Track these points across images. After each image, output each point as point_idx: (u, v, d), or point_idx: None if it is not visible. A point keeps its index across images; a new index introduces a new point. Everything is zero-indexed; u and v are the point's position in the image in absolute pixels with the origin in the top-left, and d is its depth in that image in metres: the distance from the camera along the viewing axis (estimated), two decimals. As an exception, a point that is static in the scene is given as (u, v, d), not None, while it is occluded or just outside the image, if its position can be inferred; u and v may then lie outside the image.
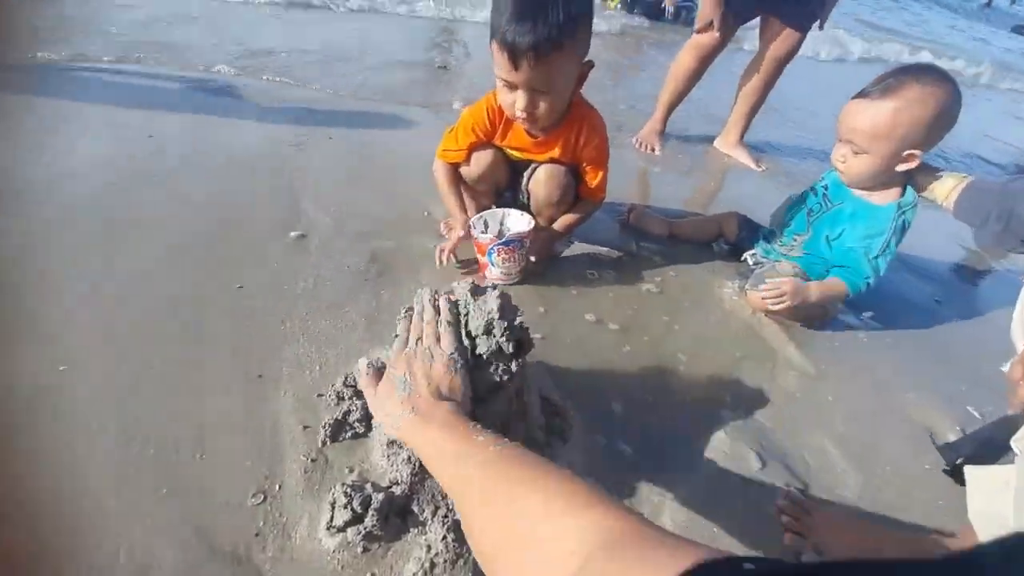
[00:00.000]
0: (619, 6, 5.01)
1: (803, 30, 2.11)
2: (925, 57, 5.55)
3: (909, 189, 1.31)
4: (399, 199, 1.61)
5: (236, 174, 1.60)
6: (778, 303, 1.34)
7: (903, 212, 1.29)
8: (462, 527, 0.55)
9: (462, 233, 1.37)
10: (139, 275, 1.17)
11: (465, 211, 1.42)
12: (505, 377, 0.77)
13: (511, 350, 0.77)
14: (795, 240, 1.49)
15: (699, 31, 2.11)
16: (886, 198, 1.32)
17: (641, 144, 2.42)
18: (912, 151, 1.23)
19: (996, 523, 0.59)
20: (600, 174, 1.41)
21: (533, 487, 0.49)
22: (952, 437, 1.13)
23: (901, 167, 1.26)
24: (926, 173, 1.31)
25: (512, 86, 1.18)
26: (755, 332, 1.35)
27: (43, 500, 0.76)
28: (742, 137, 2.47)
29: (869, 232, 1.32)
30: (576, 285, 1.40)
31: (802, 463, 1.03)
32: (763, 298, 1.36)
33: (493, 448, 0.57)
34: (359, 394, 0.96)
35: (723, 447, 1.01)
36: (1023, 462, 0.58)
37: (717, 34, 2.10)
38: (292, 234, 1.38)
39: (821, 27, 2.18)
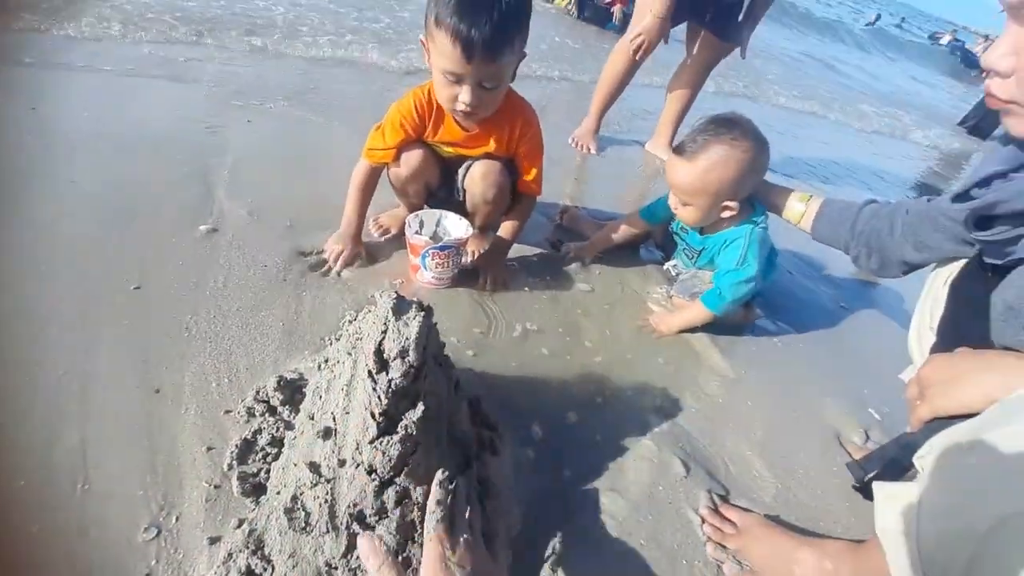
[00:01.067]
0: (568, 5, 5.02)
1: (728, 40, 2.20)
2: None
3: (757, 206, 1.38)
4: (325, 192, 1.51)
5: (139, 157, 1.44)
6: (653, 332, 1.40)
7: (753, 227, 1.36)
8: None
9: (352, 249, 1.30)
10: (20, 274, 1.02)
11: (361, 221, 1.35)
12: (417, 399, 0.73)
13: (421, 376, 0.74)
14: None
15: (632, 40, 2.12)
16: (734, 223, 1.38)
17: (577, 144, 2.43)
18: (727, 203, 1.32)
19: (901, 541, 0.62)
20: (537, 167, 1.38)
21: None
22: (857, 439, 1.21)
23: (724, 214, 1.35)
24: (775, 193, 1.39)
25: (458, 79, 1.12)
26: (682, 338, 1.39)
27: None
28: (672, 141, 2.54)
29: (733, 256, 1.36)
30: (507, 290, 1.37)
31: (724, 469, 1.06)
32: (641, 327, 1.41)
33: None
34: (272, 410, 0.88)
35: (650, 454, 1.03)
36: (924, 479, 0.62)
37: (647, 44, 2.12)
38: (202, 227, 1.26)
39: (743, 56, 2.28)
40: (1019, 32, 0.67)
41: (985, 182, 0.78)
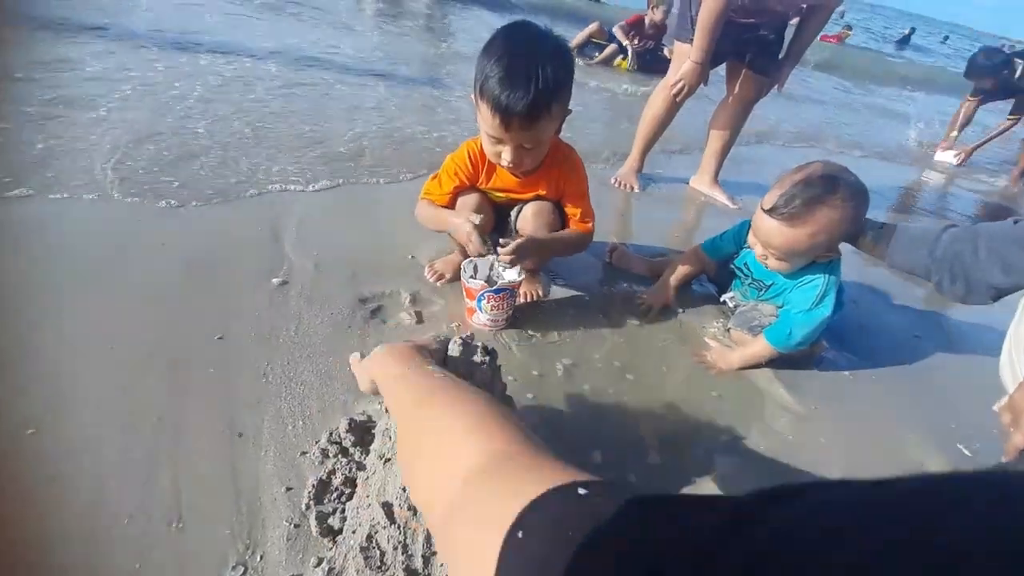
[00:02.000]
0: (630, 65, 5.16)
1: (768, 75, 2.22)
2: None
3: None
4: (382, 243, 1.60)
5: (216, 220, 1.57)
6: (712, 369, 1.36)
7: (834, 267, 1.32)
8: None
9: (470, 223, 1.29)
10: (115, 329, 1.12)
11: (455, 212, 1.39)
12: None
13: None
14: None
15: (673, 85, 2.17)
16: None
17: (620, 184, 2.47)
18: (829, 253, 1.29)
19: None
20: (582, 206, 1.42)
21: (452, 409, 0.53)
22: (945, 477, 1.12)
23: (821, 260, 1.31)
24: None
25: (499, 140, 1.21)
26: (742, 374, 1.35)
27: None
28: (716, 176, 2.54)
29: (809, 296, 1.32)
30: (560, 329, 1.39)
31: (800, 509, 1.01)
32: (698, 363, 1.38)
33: (437, 377, 0.63)
34: (344, 451, 0.92)
35: (719, 494, 0.99)
36: None
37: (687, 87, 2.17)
38: (274, 280, 1.35)
39: (780, 89, 2.31)
40: None
41: None
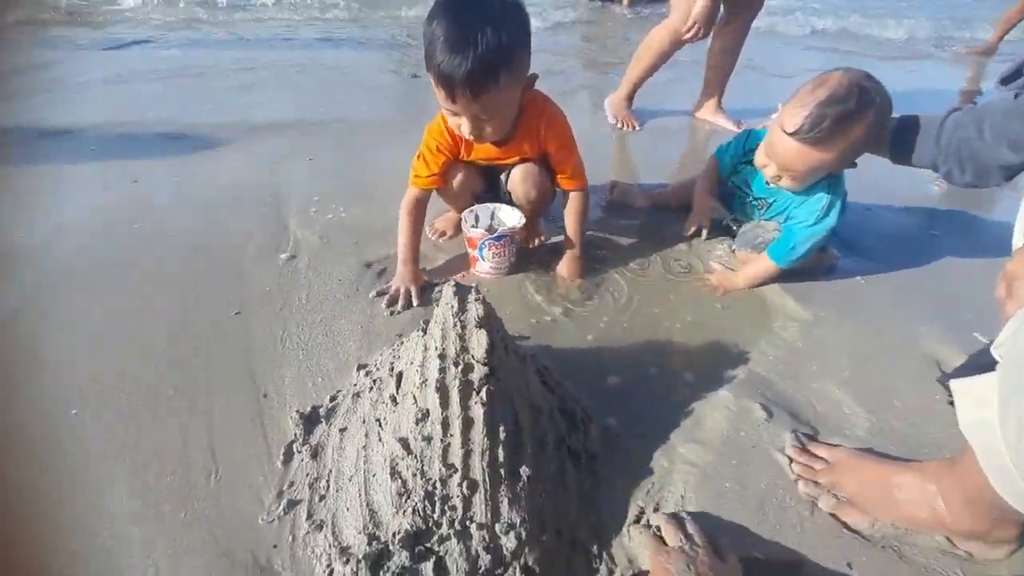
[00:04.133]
0: None
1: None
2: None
3: None
4: (385, 211, 1.61)
5: (222, 206, 1.63)
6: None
7: (840, 179, 1.28)
8: None
9: (414, 289, 1.28)
10: (140, 314, 1.20)
11: (415, 260, 1.34)
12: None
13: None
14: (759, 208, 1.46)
15: (687, 29, 2.04)
16: None
17: (621, 122, 2.41)
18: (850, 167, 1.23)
19: (985, 431, 0.59)
20: (571, 161, 1.37)
21: None
22: (960, 364, 1.12)
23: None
24: None
25: (455, 112, 1.15)
26: (751, 293, 1.35)
27: (66, 536, 0.79)
28: (720, 102, 2.46)
29: (814, 210, 1.28)
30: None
31: (809, 409, 1.02)
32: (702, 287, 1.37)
33: None
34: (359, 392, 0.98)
35: (727, 403, 1.01)
36: (1004, 367, 0.58)
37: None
38: (282, 256, 1.41)
39: None
40: None
41: None
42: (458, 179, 1.37)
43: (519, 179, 1.37)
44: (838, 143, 1.13)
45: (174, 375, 1.06)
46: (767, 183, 1.33)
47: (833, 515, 0.83)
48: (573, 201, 1.40)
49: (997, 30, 4.06)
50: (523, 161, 1.37)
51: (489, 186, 1.47)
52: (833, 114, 1.10)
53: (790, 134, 1.14)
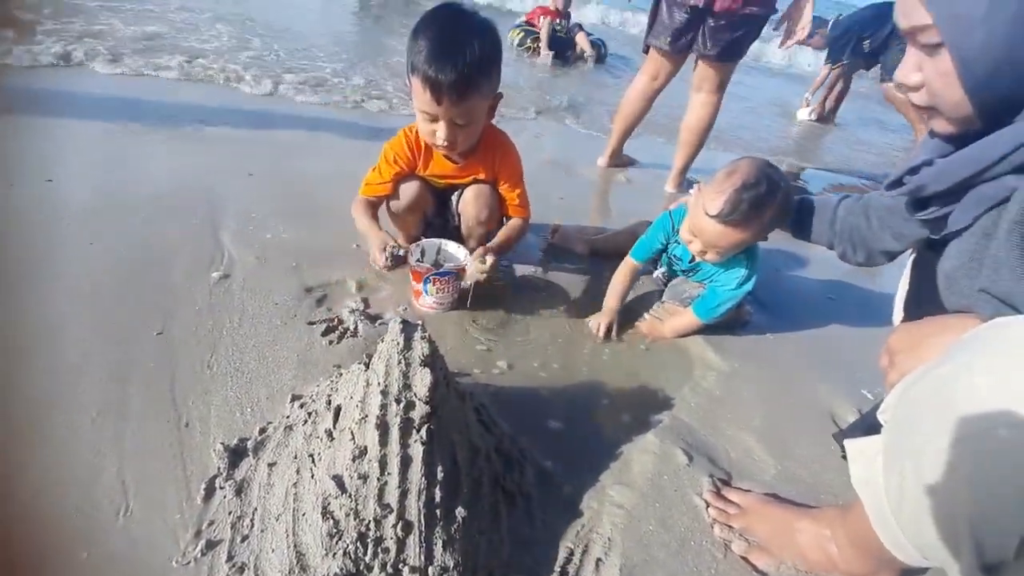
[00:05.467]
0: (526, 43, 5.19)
1: (728, 61, 2.23)
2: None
3: None
4: (326, 233, 1.60)
5: (150, 216, 1.53)
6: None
7: (756, 248, 1.41)
8: None
9: (387, 252, 1.34)
10: (50, 328, 1.10)
11: (380, 229, 1.41)
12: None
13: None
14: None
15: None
16: None
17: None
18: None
19: (872, 487, 0.68)
20: (518, 190, 1.48)
21: None
22: (851, 418, 1.26)
23: None
24: None
25: (433, 118, 1.24)
26: (677, 343, 1.45)
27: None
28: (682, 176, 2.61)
29: (735, 276, 1.41)
30: (506, 308, 1.44)
31: (725, 455, 1.11)
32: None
33: None
34: (290, 427, 0.95)
35: (653, 448, 1.08)
36: (888, 432, 0.67)
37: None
38: (214, 274, 1.34)
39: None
40: (917, 52, 0.76)
41: (914, 170, 0.86)
42: (412, 190, 1.41)
43: (471, 198, 1.43)
44: (753, 224, 1.27)
45: (84, 396, 0.97)
46: (693, 258, 1.44)
47: (744, 558, 0.90)
48: (513, 223, 1.49)
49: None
50: (475, 183, 1.43)
51: (439, 212, 1.52)
52: (748, 199, 1.22)
53: (712, 216, 1.25)
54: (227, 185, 1.78)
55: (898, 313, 1.10)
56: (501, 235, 1.48)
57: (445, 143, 1.27)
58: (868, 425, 0.87)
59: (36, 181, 1.60)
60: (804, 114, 4.99)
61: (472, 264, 1.31)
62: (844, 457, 1.04)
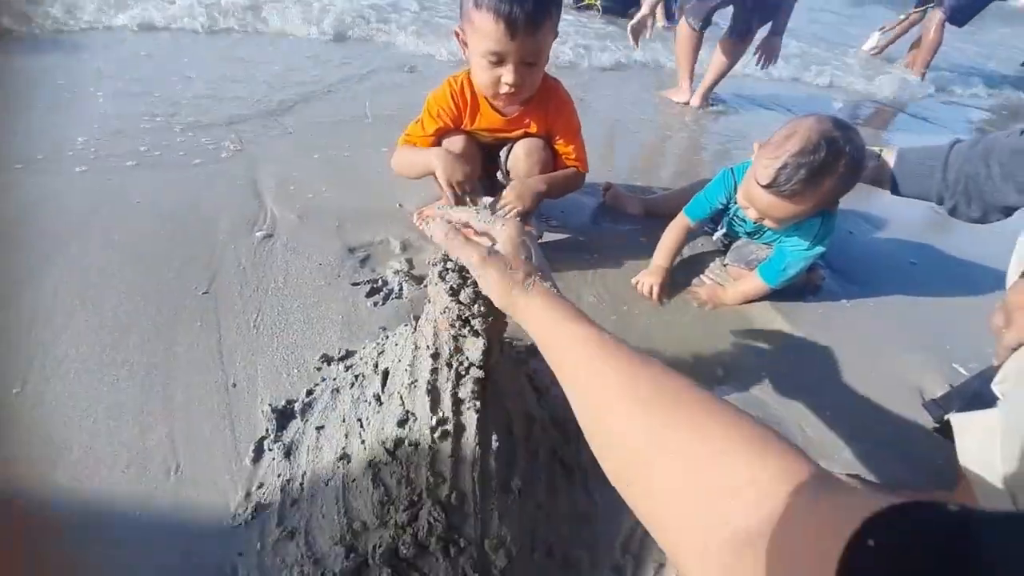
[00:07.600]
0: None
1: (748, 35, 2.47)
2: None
3: None
4: (369, 193, 1.54)
5: (191, 176, 1.51)
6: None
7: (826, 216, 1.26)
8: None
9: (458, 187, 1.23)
10: (97, 285, 1.09)
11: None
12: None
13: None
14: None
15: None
16: None
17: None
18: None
19: (986, 470, 0.58)
20: (576, 143, 1.37)
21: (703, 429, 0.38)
22: (941, 394, 1.14)
23: None
24: None
25: (500, 60, 1.14)
26: (741, 310, 1.34)
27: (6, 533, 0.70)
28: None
29: (807, 235, 1.27)
30: (553, 271, 1.36)
31: (799, 432, 1.02)
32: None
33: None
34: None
35: (720, 422, 0.99)
36: (1006, 405, 0.57)
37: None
38: (257, 233, 1.31)
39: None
40: None
41: None
42: (459, 145, 1.31)
43: (523, 154, 1.33)
44: (810, 196, 1.12)
45: (133, 355, 0.96)
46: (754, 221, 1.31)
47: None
48: (570, 171, 1.38)
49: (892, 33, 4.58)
50: (525, 136, 1.34)
51: (485, 170, 1.43)
52: (807, 168, 1.07)
53: (763, 187, 1.13)
54: (269, 144, 1.74)
55: (1014, 272, 0.96)
56: (553, 176, 1.35)
57: (512, 88, 1.17)
58: (971, 394, 0.76)
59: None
60: (871, 42, 4.67)
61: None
62: (938, 432, 0.93)
